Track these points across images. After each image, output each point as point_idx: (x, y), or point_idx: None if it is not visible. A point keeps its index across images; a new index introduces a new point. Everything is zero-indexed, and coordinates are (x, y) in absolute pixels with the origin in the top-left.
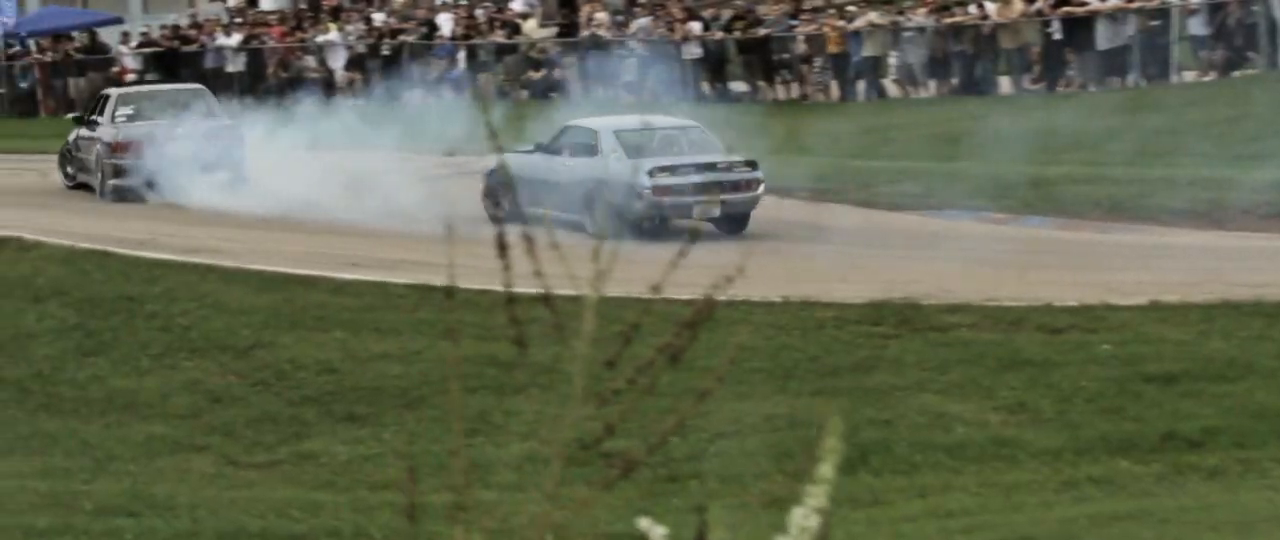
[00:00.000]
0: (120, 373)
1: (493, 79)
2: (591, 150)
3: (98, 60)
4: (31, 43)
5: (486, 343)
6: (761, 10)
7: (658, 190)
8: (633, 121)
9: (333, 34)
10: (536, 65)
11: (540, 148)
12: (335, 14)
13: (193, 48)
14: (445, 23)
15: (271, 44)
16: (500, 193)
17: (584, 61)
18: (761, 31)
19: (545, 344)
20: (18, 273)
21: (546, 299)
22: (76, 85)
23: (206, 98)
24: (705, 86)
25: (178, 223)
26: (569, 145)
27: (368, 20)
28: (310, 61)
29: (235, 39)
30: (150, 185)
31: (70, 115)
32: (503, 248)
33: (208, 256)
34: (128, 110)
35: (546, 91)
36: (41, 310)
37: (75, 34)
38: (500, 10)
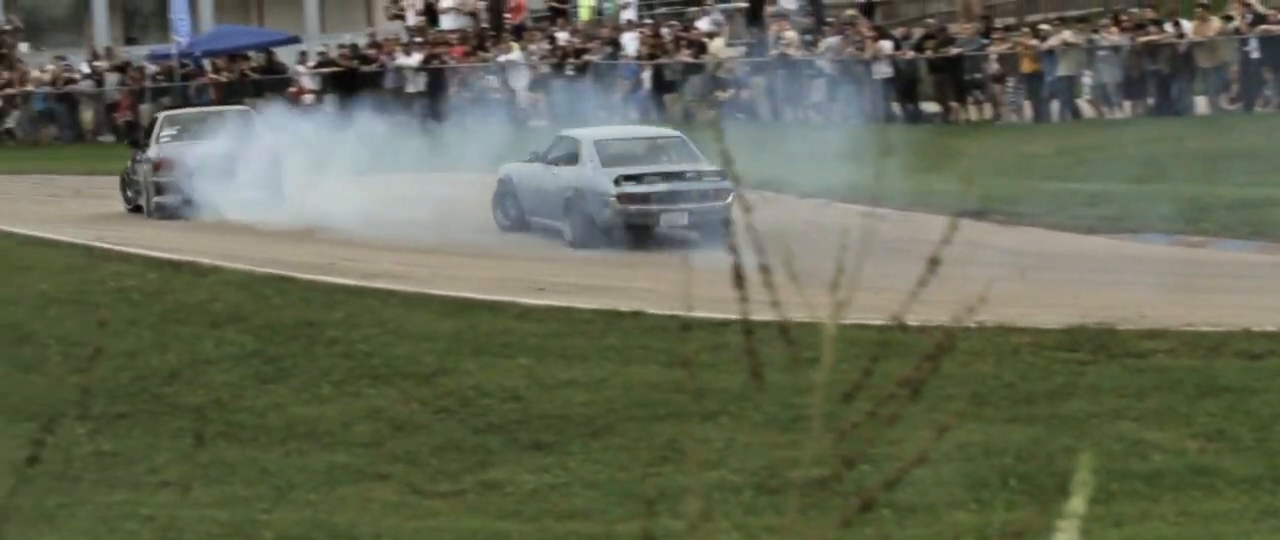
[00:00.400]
0: (300, 400)
1: (678, 100)
2: (575, 159)
3: (274, 80)
4: (206, 63)
5: (673, 369)
6: (953, 29)
7: (623, 198)
8: (615, 132)
9: (515, 53)
10: (723, 85)
11: (536, 156)
12: (518, 33)
13: (372, 67)
14: (630, 42)
15: (452, 64)
16: (504, 202)
17: (772, 81)
18: (953, 51)
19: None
20: (195, 298)
21: (784, 329)
22: (256, 105)
23: (250, 118)
24: (895, 107)
25: (358, 248)
26: (558, 154)
27: (552, 39)
28: (492, 81)
29: (415, 58)
30: (188, 202)
31: (128, 141)
32: (739, 278)
33: (389, 281)
34: (171, 131)
35: (733, 112)
36: (219, 336)
37: (251, 53)
38: (686, 29)
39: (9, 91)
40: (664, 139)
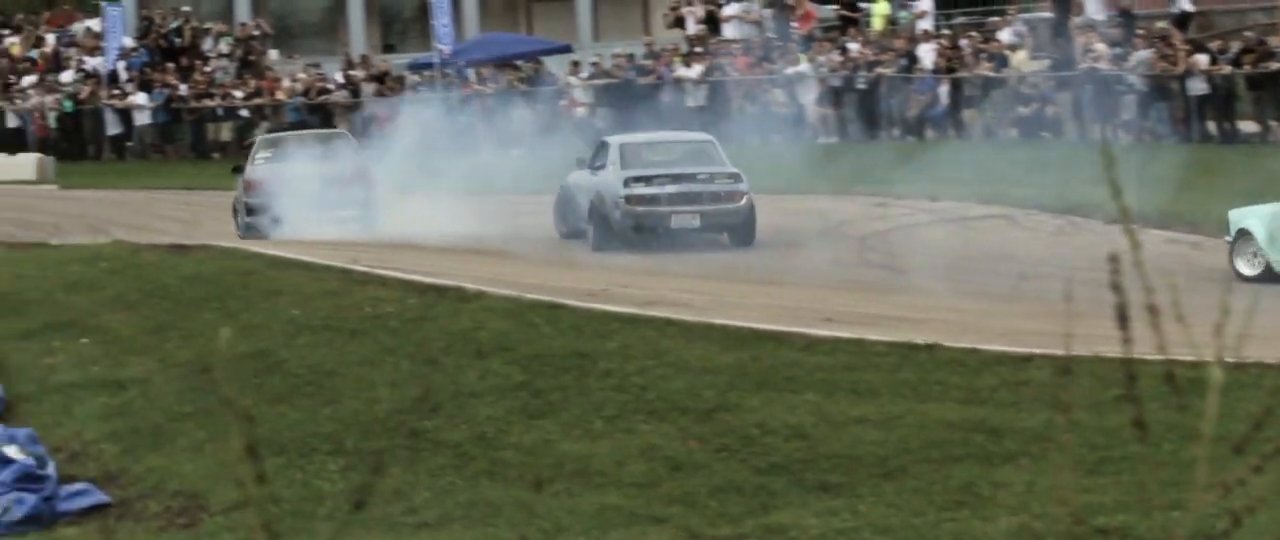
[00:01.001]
0: (570, 436)
1: (978, 116)
2: (605, 164)
3: (543, 92)
4: (470, 72)
5: (970, 406)
6: (1274, 42)
7: (631, 199)
8: (646, 136)
9: (803, 65)
10: (1026, 101)
11: (581, 163)
12: (806, 43)
13: (648, 80)
14: (926, 54)
15: (735, 76)
16: (562, 209)
17: (1078, 97)
18: (1274, 66)
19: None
20: (458, 326)
21: (1169, 376)
22: (522, 119)
23: (346, 140)
24: (1210, 125)
25: (634, 273)
26: (598, 161)
27: (843, 50)
28: (778, 95)
29: (695, 70)
30: (276, 221)
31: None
32: (1123, 318)
33: (667, 309)
34: (267, 154)
35: (1037, 130)
36: (484, 367)
37: (519, 63)
38: (986, 41)
39: (258, 101)
40: (693, 143)
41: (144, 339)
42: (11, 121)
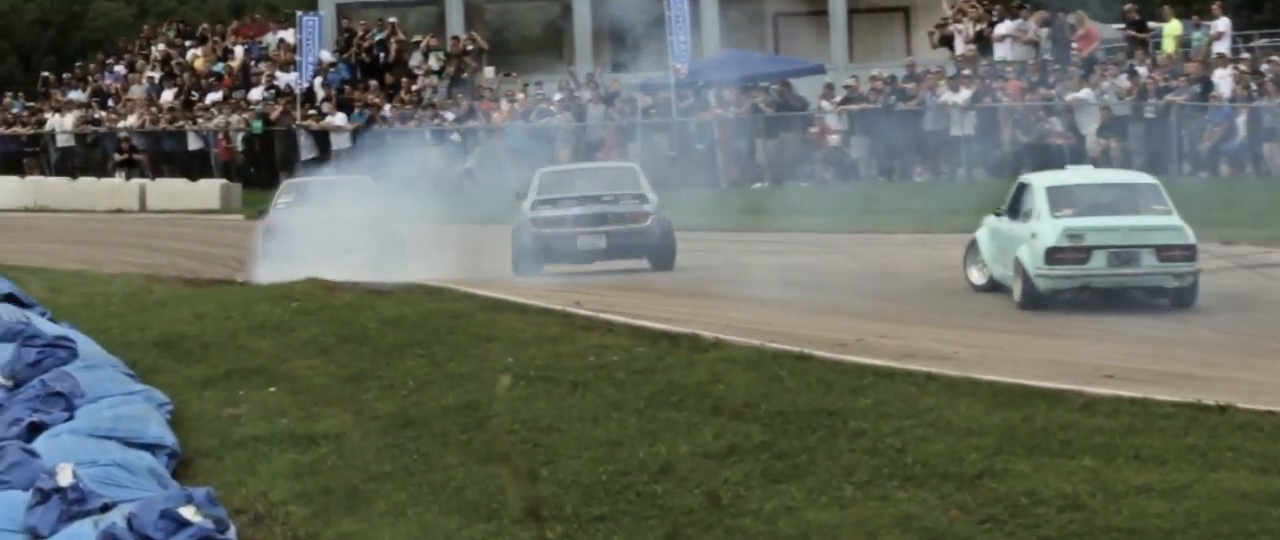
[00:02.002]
0: (816, 504)
1: None
2: (527, 193)
3: (792, 117)
4: (711, 95)
5: (1269, 476)
6: None
7: (537, 222)
8: (566, 167)
9: (1084, 92)
10: None
11: (519, 196)
12: (1087, 67)
13: (910, 105)
14: (1223, 81)
15: (1006, 102)
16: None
17: None
18: None
19: None
20: (693, 379)
21: None
22: (765, 148)
23: (367, 186)
24: None
25: (890, 321)
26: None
27: (1131, 74)
28: (1056, 124)
29: (963, 95)
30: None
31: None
32: None
33: (927, 362)
34: (289, 198)
35: None
36: (721, 425)
37: (765, 85)
38: None
39: (471, 124)
40: (613, 170)
41: (339, 388)
42: (194, 143)
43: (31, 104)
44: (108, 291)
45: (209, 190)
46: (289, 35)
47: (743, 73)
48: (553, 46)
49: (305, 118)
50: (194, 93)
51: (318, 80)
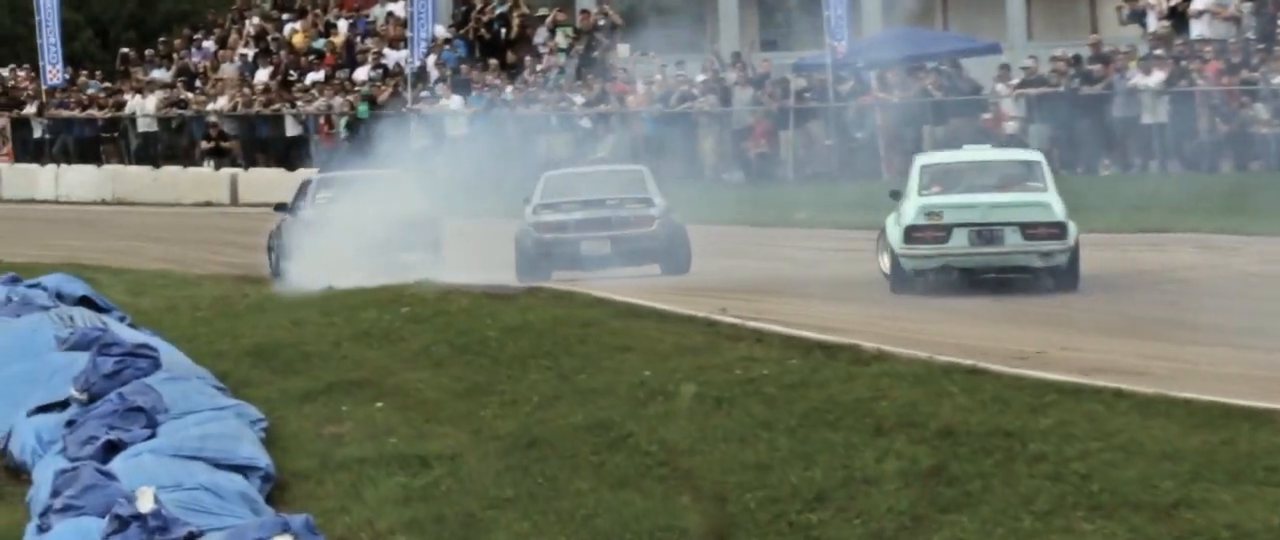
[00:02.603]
0: (992, 536)
1: None
2: (530, 197)
3: (964, 102)
4: (871, 76)
5: None
6: None
7: (540, 227)
8: (573, 167)
9: None
10: None
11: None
12: None
13: (1095, 89)
14: None
15: (1203, 86)
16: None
17: None
18: None
19: None
20: (851, 395)
21: None
22: (933, 137)
23: (403, 181)
24: None
25: (1076, 331)
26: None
27: None
28: (1260, 111)
29: (1155, 78)
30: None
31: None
32: None
33: (1117, 378)
34: (328, 193)
35: None
36: (883, 446)
37: (934, 66)
38: None
39: (603, 108)
40: (621, 172)
41: (454, 404)
42: (292, 129)
43: (110, 84)
44: (195, 295)
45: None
46: (399, 8)
47: (908, 52)
48: (695, 22)
49: (417, 101)
50: (292, 72)
51: (431, 59)
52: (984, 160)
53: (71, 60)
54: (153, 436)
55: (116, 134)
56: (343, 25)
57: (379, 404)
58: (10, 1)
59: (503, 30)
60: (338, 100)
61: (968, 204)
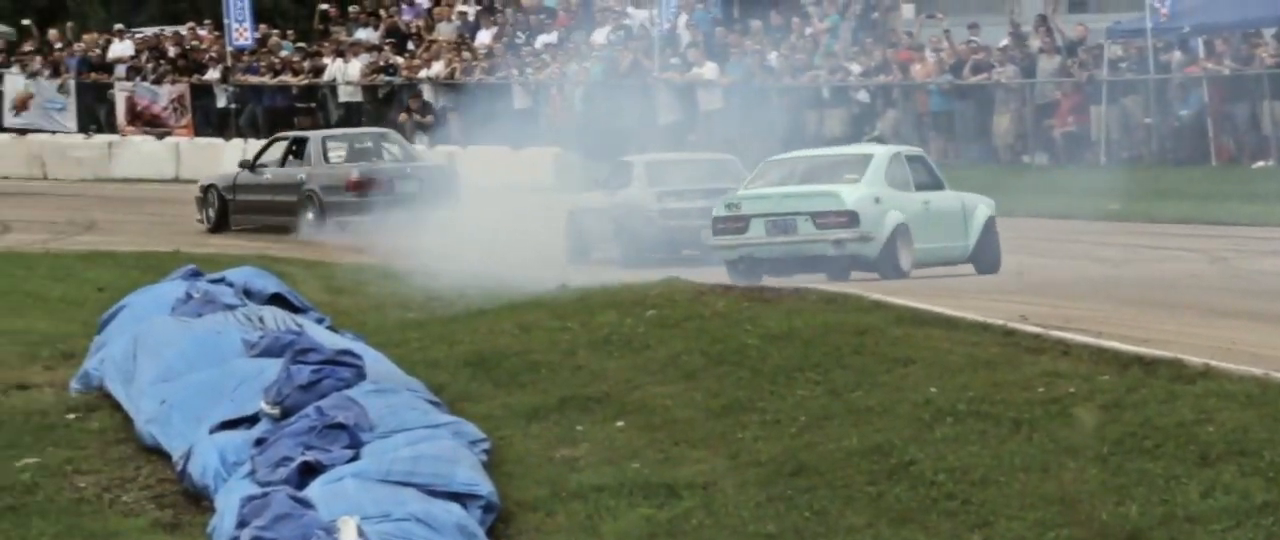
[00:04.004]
0: None
1: None
2: (626, 181)
3: None
4: (1199, 45)
5: None
6: None
7: (666, 214)
8: (667, 155)
9: None
10: None
11: (595, 184)
12: None
13: None
14: None
15: None
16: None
17: None
18: None
19: None
20: (1172, 418)
21: None
22: (1272, 114)
23: (393, 138)
24: None
25: None
26: (616, 179)
27: None
28: None
29: None
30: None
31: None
32: None
33: None
34: (340, 151)
35: None
36: (1210, 478)
37: (1275, 32)
38: None
39: (884, 79)
40: (717, 161)
41: (708, 424)
42: (520, 101)
43: (306, 47)
44: (404, 293)
45: (537, 160)
46: None
47: (1242, 15)
48: None
49: (665, 69)
50: (519, 34)
51: (682, 19)
52: (815, 155)
53: (262, 17)
54: (355, 458)
55: (314, 104)
56: None
57: (620, 423)
58: None
59: None
60: (573, 68)
61: (763, 195)
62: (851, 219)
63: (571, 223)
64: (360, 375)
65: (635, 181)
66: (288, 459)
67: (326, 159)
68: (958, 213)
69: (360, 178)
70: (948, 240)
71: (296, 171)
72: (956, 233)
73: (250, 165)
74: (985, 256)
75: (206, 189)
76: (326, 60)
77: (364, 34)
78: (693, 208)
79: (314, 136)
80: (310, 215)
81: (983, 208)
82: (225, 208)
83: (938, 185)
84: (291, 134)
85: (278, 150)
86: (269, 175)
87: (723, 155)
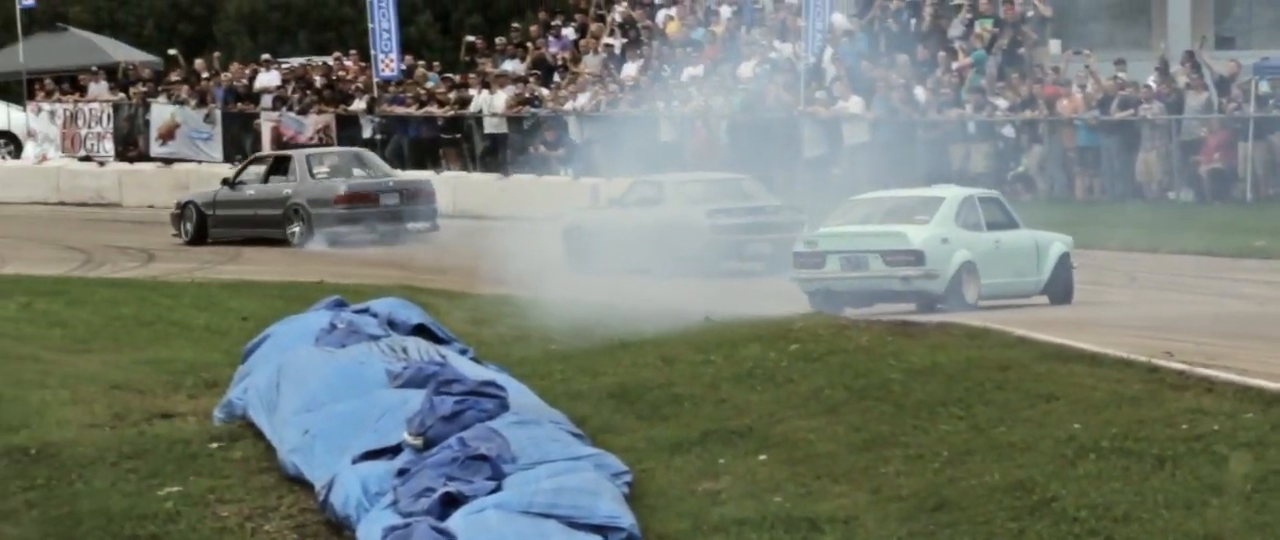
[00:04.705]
0: None
1: None
2: (658, 201)
3: None
4: None
5: None
6: None
7: (716, 229)
8: (688, 175)
9: None
10: None
11: (614, 203)
12: None
13: None
14: None
15: None
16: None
17: None
18: None
19: None
20: None
21: None
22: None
23: (367, 157)
24: None
25: None
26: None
27: None
28: None
29: None
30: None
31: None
32: None
33: None
34: (325, 168)
35: None
36: None
37: None
38: None
39: (1028, 114)
40: (736, 179)
41: (850, 458)
42: (665, 133)
43: (452, 77)
44: (548, 324)
45: None
46: None
47: None
48: (1139, 15)
49: (810, 102)
50: (665, 66)
51: (828, 53)
52: (892, 196)
53: (408, 49)
54: (498, 489)
55: (459, 134)
56: (726, 12)
57: (762, 456)
58: None
59: (912, 21)
60: (718, 100)
61: (838, 233)
62: (918, 258)
63: (569, 238)
64: (503, 406)
65: (671, 199)
66: (430, 490)
67: (312, 175)
68: (1030, 250)
69: (349, 192)
70: (1019, 275)
71: (282, 187)
72: (1029, 268)
73: (231, 183)
74: (1058, 289)
75: (184, 206)
76: (472, 91)
77: (510, 65)
78: (737, 223)
79: (298, 155)
80: (296, 228)
81: (1058, 245)
82: (203, 222)
83: (1011, 224)
84: (271, 153)
85: (258, 169)
86: (252, 191)
87: (738, 175)
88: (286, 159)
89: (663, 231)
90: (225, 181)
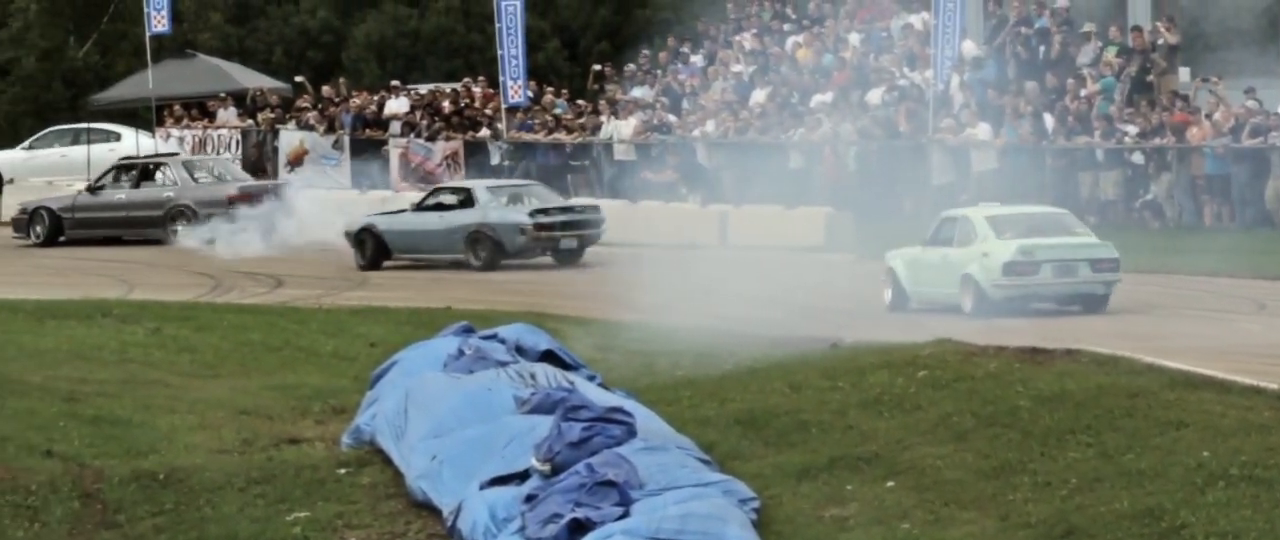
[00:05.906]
0: None
1: None
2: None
3: None
4: None
5: None
6: None
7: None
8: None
9: None
10: None
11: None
12: None
13: None
14: None
15: None
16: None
17: None
18: None
19: None
20: None
21: None
22: None
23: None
24: None
25: None
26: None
27: None
28: None
29: None
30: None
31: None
32: None
33: None
34: (203, 173)
35: None
36: None
37: None
38: None
39: (1157, 142)
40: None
41: (978, 485)
42: (794, 160)
43: (580, 104)
44: (676, 350)
45: (810, 220)
46: (920, 19)
47: None
48: (1268, 43)
49: (939, 129)
50: (794, 93)
51: (956, 80)
52: (1035, 212)
53: (536, 75)
54: (625, 516)
55: (587, 161)
56: (855, 39)
57: (890, 483)
58: (465, 5)
59: (1041, 48)
60: (847, 126)
61: (1051, 244)
62: (1117, 265)
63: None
64: (630, 433)
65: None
66: (557, 516)
67: (194, 180)
68: None
69: (240, 192)
70: None
71: (162, 191)
72: None
73: (92, 189)
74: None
75: (33, 212)
76: (601, 118)
77: (639, 92)
78: (555, 221)
79: (173, 161)
80: (179, 227)
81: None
82: (58, 225)
83: None
84: (136, 161)
85: (124, 176)
86: (123, 196)
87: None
88: (161, 165)
89: (480, 228)
90: (89, 188)
